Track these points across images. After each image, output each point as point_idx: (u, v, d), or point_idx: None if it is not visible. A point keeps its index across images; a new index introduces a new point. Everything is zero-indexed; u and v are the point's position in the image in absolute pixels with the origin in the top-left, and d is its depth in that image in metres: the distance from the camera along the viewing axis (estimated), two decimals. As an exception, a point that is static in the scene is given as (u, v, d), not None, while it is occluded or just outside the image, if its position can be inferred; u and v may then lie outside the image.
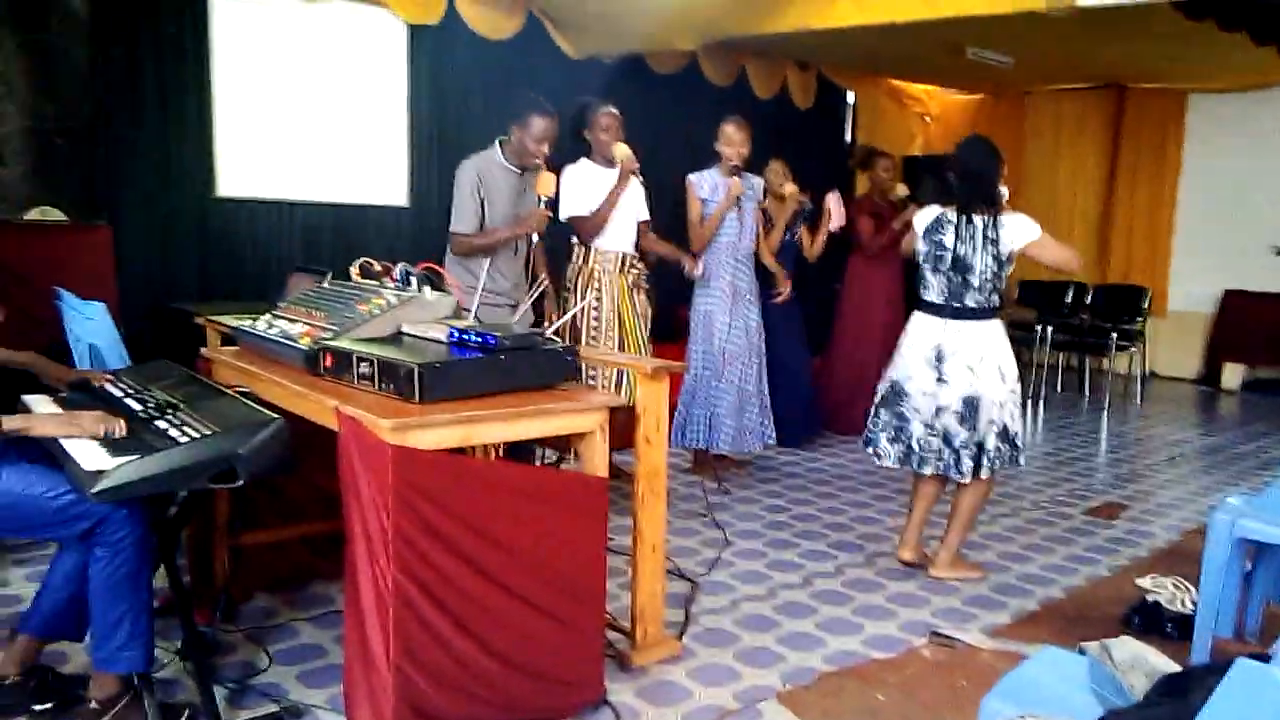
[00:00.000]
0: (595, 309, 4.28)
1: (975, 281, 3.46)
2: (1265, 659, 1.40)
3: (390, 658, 2.19)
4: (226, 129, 5.36)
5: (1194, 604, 3.25)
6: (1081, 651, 1.92)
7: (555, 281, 4.33)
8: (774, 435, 5.00)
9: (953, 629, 3.20)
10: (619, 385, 4.15)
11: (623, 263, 4.36)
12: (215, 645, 2.81)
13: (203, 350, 3.10)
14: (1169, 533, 4.38)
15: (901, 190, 5.92)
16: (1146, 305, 8.22)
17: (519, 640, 2.39)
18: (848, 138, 9.25)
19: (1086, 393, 8.14)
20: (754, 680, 2.80)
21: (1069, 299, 8.49)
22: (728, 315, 4.78)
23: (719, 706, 2.63)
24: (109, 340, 3.28)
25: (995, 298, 3.52)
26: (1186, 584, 3.46)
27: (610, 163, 4.28)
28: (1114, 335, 7.85)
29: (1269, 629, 3.24)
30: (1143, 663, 1.78)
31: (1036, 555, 4.00)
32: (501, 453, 3.23)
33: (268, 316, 2.95)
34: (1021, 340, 8.52)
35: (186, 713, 2.40)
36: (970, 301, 3.49)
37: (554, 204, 3.91)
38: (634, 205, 4.38)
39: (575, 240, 4.39)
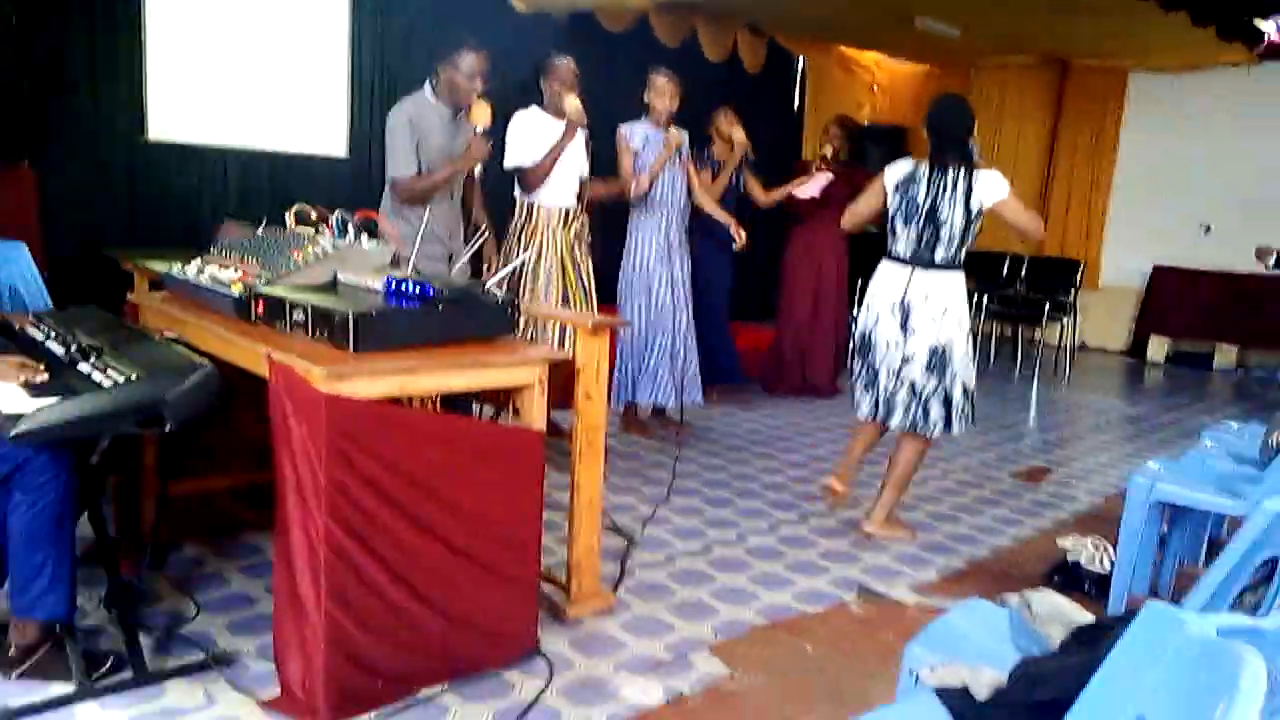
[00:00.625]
0: (535, 263, 4.24)
1: (944, 235, 3.50)
2: (1174, 608, 1.46)
3: (321, 605, 2.17)
4: (158, 71, 5.17)
5: (1112, 563, 3.37)
6: (1003, 603, 1.97)
7: (495, 230, 4.28)
8: (700, 396, 5.04)
9: (881, 585, 3.27)
10: (562, 343, 4.14)
11: (566, 217, 4.32)
12: (141, 594, 2.75)
13: (129, 295, 3.02)
14: (1092, 496, 4.52)
15: (829, 149, 5.93)
16: (1079, 278, 8.41)
17: (453, 590, 2.39)
18: (796, 103, 9.25)
19: (1019, 362, 8.33)
20: (687, 632, 2.83)
21: (1005, 270, 8.65)
22: (663, 269, 4.79)
23: (651, 657, 2.67)
24: (29, 282, 3.17)
25: (962, 253, 3.56)
26: (1106, 544, 3.58)
27: (561, 114, 4.23)
28: (1047, 306, 8.02)
29: (1181, 588, 3.37)
30: (1061, 615, 1.83)
31: (965, 516, 4.10)
32: (438, 406, 3.20)
33: (197, 262, 2.87)
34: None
35: (111, 660, 2.36)
36: (938, 255, 3.53)
37: (492, 135, 3.84)
38: (578, 160, 4.34)
39: (518, 194, 4.34)
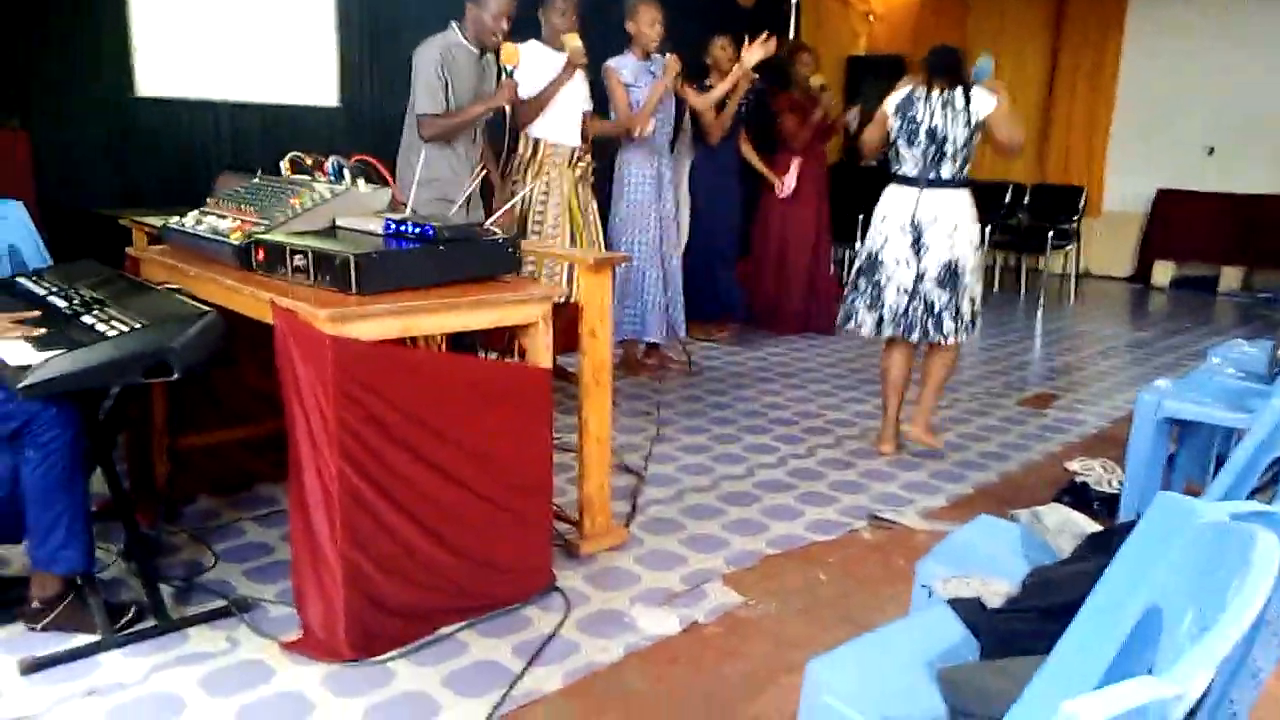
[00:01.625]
0: (542, 202, 4.22)
1: (949, 151, 3.58)
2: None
3: (337, 546, 2.20)
4: (144, 25, 5.08)
5: (1120, 484, 3.39)
6: (1013, 519, 1.99)
7: (493, 168, 4.25)
8: (683, 329, 5.06)
9: (890, 512, 3.30)
10: (570, 283, 4.13)
11: (571, 156, 4.29)
12: (159, 546, 2.79)
13: (128, 249, 3.00)
14: (1098, 420, 4.53)
15: (816, 80, 5.85)
16: (1082, 205, 8.35)
17: (467, 529, 2.41)
18: (791, 35, 9.10)
19: (1022, 291, 8.29)
20: (699, 564, 2.86)
21: (1008, 199, 8.58)
22: (654, 204, 4.76)
23: (665, 589, 2.70)
24: (27, 239, 3.15)
25: (967, 168, 3.65)
26: (1114, 465, 3.60)
27: (559, 48, 4.18)
28: (1050, 235, 7.97)
29: (1189, 505, 3.39)
30: (1071, 526, 1.85)
31: (972, 443, 4.11)
32: (444, 348, 3.20)
33: (195, 213, 2.85)
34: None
35: (133, 610, 2.39)
36: (945, 172, 3.61)
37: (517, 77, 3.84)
38: (579, 97, 4.29)
39: (521, 130, 4.29)
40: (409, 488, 2.29)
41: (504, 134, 3.94)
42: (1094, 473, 3.60)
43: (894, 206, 3.70)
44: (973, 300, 3.71)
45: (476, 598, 2.48)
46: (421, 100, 3.74)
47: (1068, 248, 8.15)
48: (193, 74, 5.28)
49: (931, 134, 3.58)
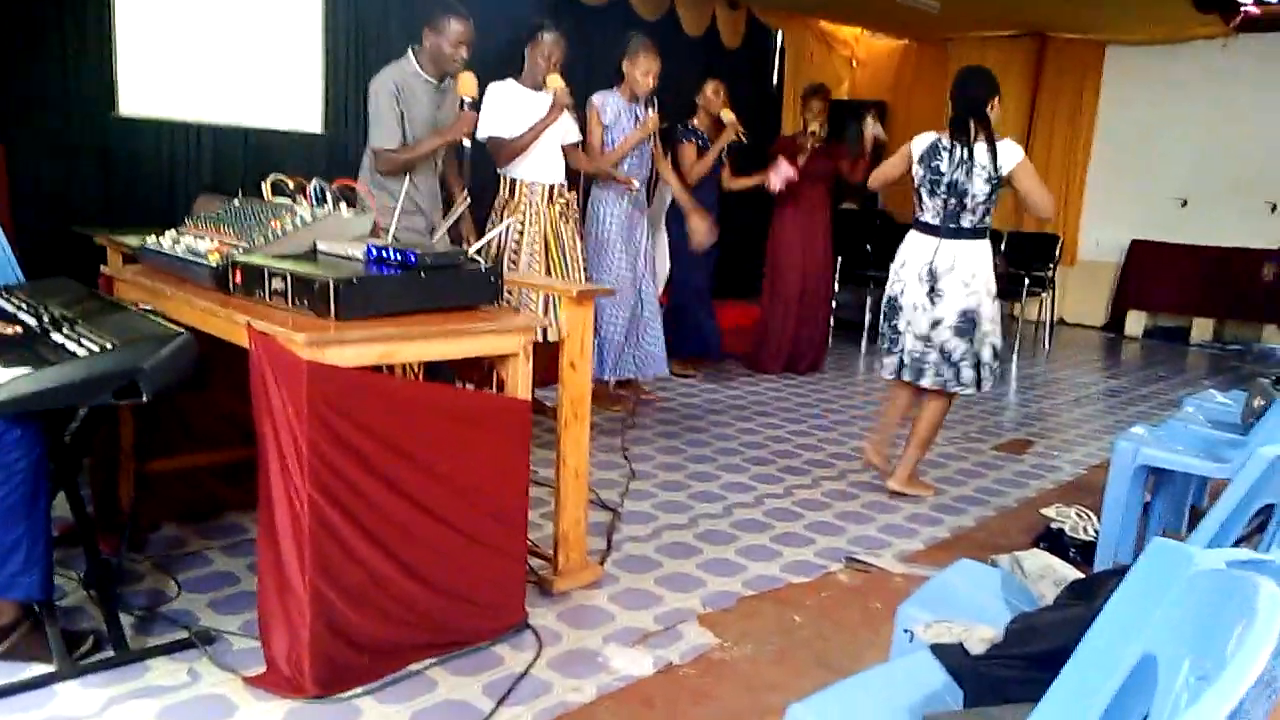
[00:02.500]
0: (517, 240, 4.20)
1: (969, 204, 3.64)
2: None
3: (306, 577, 2.14)
4: (128, 45, 5.06)
5: (1096, 531, 3.39)
6: (994, 564, 1.97)
7: (473, 201, 4.23)
8: (664, 367, 5.01)
9: (867, 555, 3.27)
10: (545, 314, 4.11)
11: (550, 193, 4.28)
12: (121, 574, 2.71)
13: (103, 268, 2.95)
14: (1074, 467, 4.54)
15: (814, 125, 5.90)
16: (1057, 253, 8.44)
17: (439, 562, 2.36)
18: (775, 79, 9.21)
19: (999, 337, 8.34)
20: (675, 604, 2.82)
21: (985, 245, 8.66)
22: (622, 242, 4.74)
23: (640, 629, 2.65)
24: None
25: (987, 219, 3.70)
26: (1089, 513, 3.60)
27: (537, 87, 4.18)
28: (1026, 282, 8.04)
29: (1164, 554, 3.39)
30: (1051, 572, 1.83)
31: (949, 487, 4.10)
32: (420, 378, 3.16)
33: (172, 233, 2.81)
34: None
35: (92, 639, 2.32)
36: (965, 223, 3.67)
37: (478, 106, 3.78)
38: (560, 134, 4.28)
39: (500, 169, 4.28)
40: (381, 517, 2.24)
41: (460, 165, 3.87)
42: (1069, 520, 3.60)
43: (913, 253, 3.77)
44: (994, 348, 3.76)
45: (447, 633, 2.42)
46: (375, 133, 3.67)
47: (1042, 295, 8.23)
48: (176, 95, 5.26)
49: (952, 186, 3.64)
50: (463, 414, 2.37)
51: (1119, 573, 1.59)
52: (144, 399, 2.07)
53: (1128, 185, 8.98)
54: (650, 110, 4.61)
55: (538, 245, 4.21)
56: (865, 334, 7.63)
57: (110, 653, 2.29)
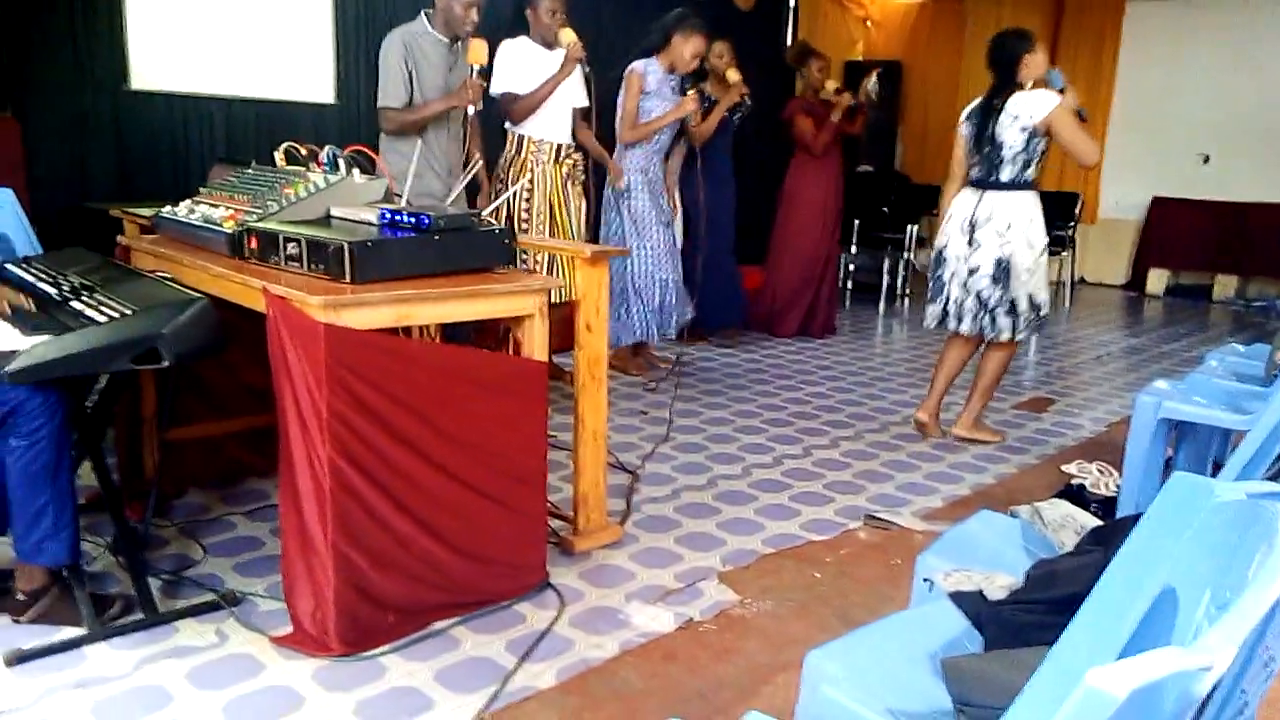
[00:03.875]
0: (527, 199, 4.19)
1: (1007, 155, 3.78)
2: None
3: (328, 538, 2.16)
4: (138, 18, 5.05)
5: (1117, 487, 3.37)
6: (1014, 514, 1.96)
7: (488, 160, 4.22)
8: (691, 312, 5.03)
9: (887, 512, 3.27)
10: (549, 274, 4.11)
11: (558, 153, 4.26)
12: (147, 539, 2.74)
13: (119, 238, 2.97)
14: (1095, 425, 4.52)
15: (831, 85, 5.85)
16: (1078, 212, 8.35)
17: (460, 522, 2.38)
18: (789, 41, 9.10)
19: (1018, 298, 8.27)
20: (695, 562, 2.83)
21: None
22: (655, 213, 4.75)
23: (661, 586, 2.66)
24: (18, 229, 3.11)
25: (1028, 172, 3.82)
26: (1110, 469, 3.59)
27: (549, 45, 4.15)
28: (1046, 241, 7.95)
29: (1186, 508, 3.38)
30: (1072, 521, 1.83)
31: (969, 446, 4.09)
32: (439, 335, 3.17)
33: (188, 202, 2.83)
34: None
35: (120, 602, 2.35)
36: (1004, 175, 3.82)
37: (487, 73, 3.77)
38: (572, 93, 4.26)
39: (508, 126, 4.26)
40: (402, 479, 2.26)
41: (464, 132, 3.85)
42: (1091, 475, 3.59)
43: (959, 207, 3.94)
44: (1031, 298, 3.87)
45: (470, 593, 2.44)
46: (383, 93, 3.67)
47: (1063, 254, 8.15)
48: (187, 68, 5.25)
49: (990, 140, 3.80)
50: (480, 375, 2.38)
51: (1138, 519, 1.58)
52: (164, 364, 2.08)
53: (1148, 142, 8.85)
54: (689, 94, 4.66)
55: (542, 205, 4.19)
56: (883, 296, 7.58)
57: (139, 615, 2.32)
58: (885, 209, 8.12)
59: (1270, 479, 1.44)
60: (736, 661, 2.31)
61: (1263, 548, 0.72)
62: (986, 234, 3.84)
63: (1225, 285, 8.67)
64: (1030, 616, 1.38)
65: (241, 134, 5.41)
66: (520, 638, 2.35)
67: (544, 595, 2.56)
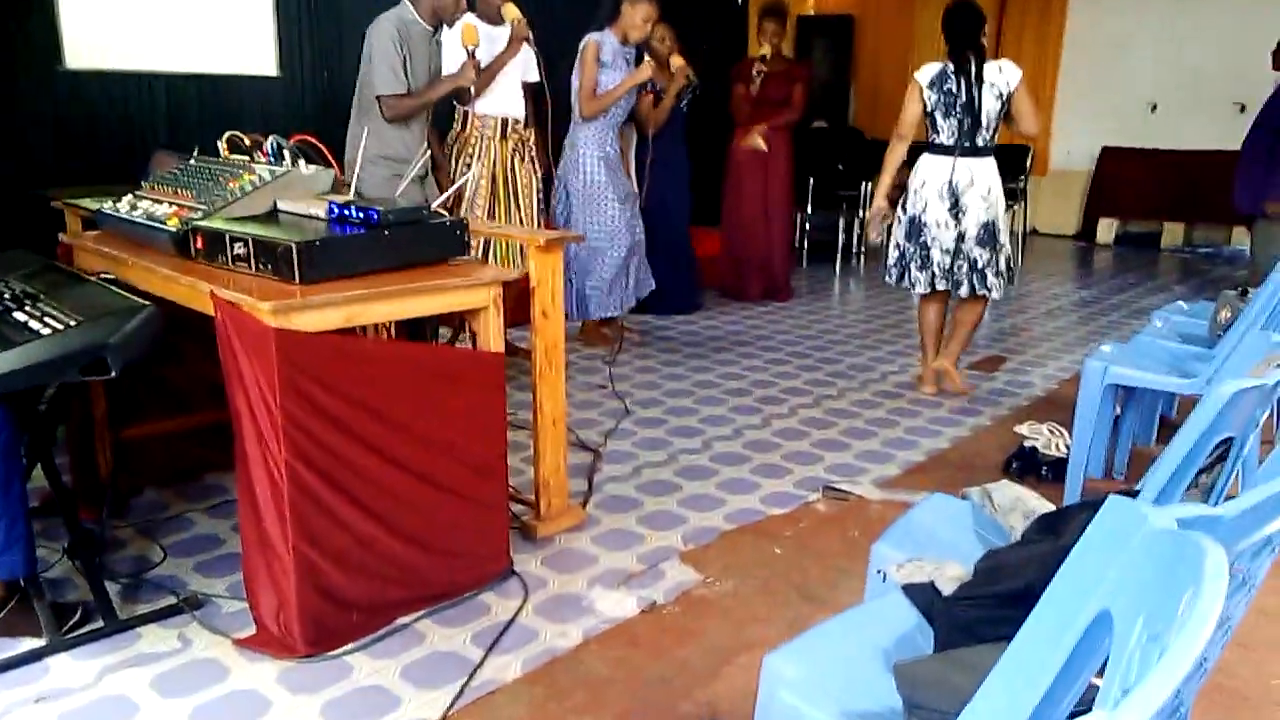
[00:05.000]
0: (476, 177, 4.15)
1: (983, 121, 3.94)
2: (1133, 494, 1.49)
3: (288, 541, 2.16)
4: (69, -7, 4.89)
5: (1068, 447, 3.45)
6: (964, 497, 2.01)
7: (436, 147, 4.17)
8: (653, 283, 5.04)
9: (845, 483, 3.33)
10: (485, 255, 4.08)
11: (504, 128, 4.21)
12: (104, 542, 2.72)
13: (62, 236, 2.90)
14: (1046, 382, 4.61)
15: (766, 49, 5.77)
16: (1029, 163, 8.42)
17: (421, 517, 2.38)
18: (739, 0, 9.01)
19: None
20: (657, 542, 2.87)
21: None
22: (612, 187, 4.73)
23: (623, 570, 2.70)
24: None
25: (995, 136, 4.00)
26: (1061, 429, 3.66)
27: (493, 20, 4.09)
28: (998, 194, 8.03)
29: (1135, 468, 3.47)
30: (1021, 505, 1.87)
31: (923, 409, 4.16)
32: (393, 332, 3.15)
33: (130, 197, 2.76)
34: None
35: (80, 610, 2.34)
36: (979, 141, 3.96)
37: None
38: (520, 67, 4.21)
39: (456, 104, 4.21)
40: (361, 479, 2.25)
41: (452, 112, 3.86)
42: (1042, 437, 3.66)
43: (931, 174, 4.03)
44: (1008, 257, 4.10)
45: (434, 586, 2.46)
46: (383, 80, 3.63)
47: (1014, 206, 8.22)
48: (124, 45, 5.09)
49: (967, 106, 3.91)
50: (436, 370, 2.37)
51: (1085, 506, 1.63)
52: (112, 374, 2.05)
53: (1097, 93, 8.92)
54: (646, 63, 4.64)
55: (484, 183, 4.16)
56: (839, 255, 7.63)
57: (100, 623, 2.31)
58: (840, 166, 8.14)
59: (1209, 465, 1.48)
60: (699, 643, 2.36)
61: (1190, 590, 0.75)
62: (971, 199, 3.97)
63: (1173, 233, 8.83)
64: (979, 612, 1.42)
65: (183, 112, 5.28)
66: (485, 629, 2.38)
67: (508, 584, 2.58)
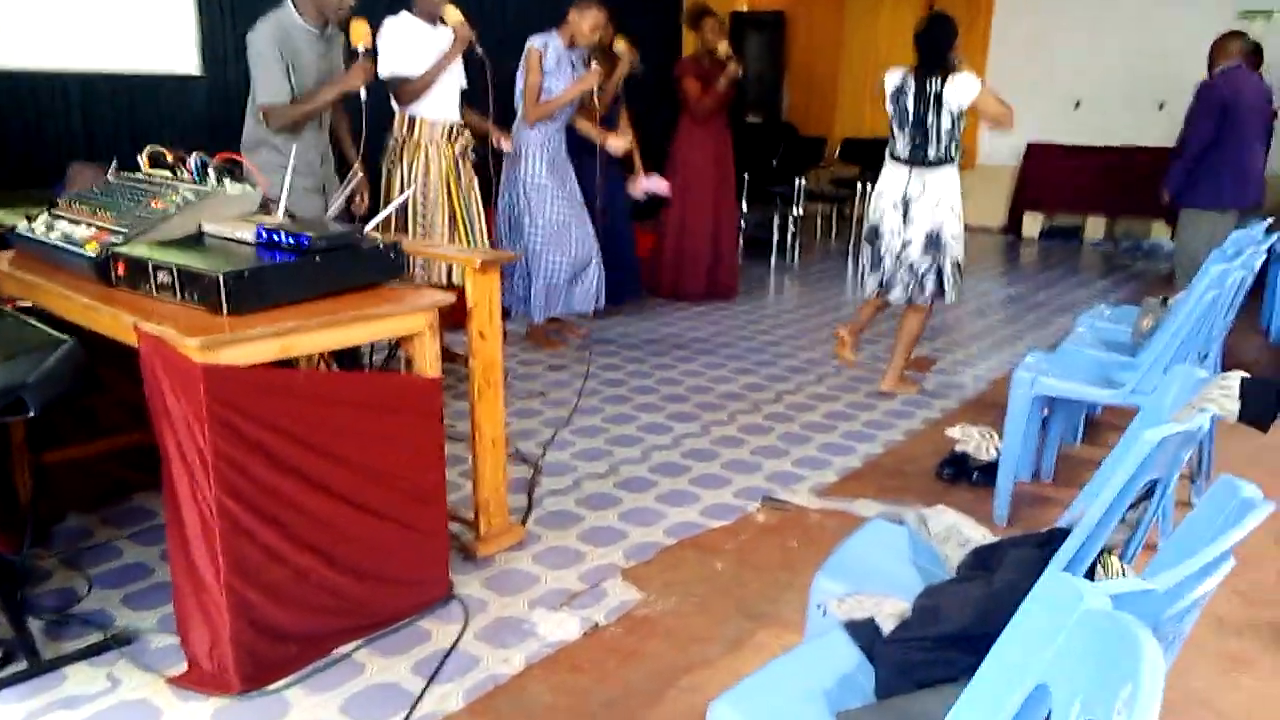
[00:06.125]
0: (424, 184, 4.08)
1: (934, 136, 4.07)
2: (1064, 534, 1.53)
3: (221, 579, 2.11)
4: (-25, -13, 4.68)
5: (998, 450, 3.53)
6: (901, 521, 2.04)
7: (368, 170, 4.06)
8: (604, 297, 5.03)
9: (784, 492, 3.36)
10: (450, 272, 4.05)
11: (450, 132, 4.15)
12: (27, 574, 2.63)
13: (-27, 258, 2.77)
14: (976, 383, 4.71)
15: (724, 47, 5.82)
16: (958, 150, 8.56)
17: (360, 547, 2.35)
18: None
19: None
20: (598, 560, 2.87)
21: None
22: (556, 185, 4.71)
23: (565, 589, 2.69)
24: None
25: (952, 148, 4.13)
26: (991, 432, 3.73)
27: (434, 20, 4.02)
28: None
29: (1062, 469, 3.57)
30: (956, 533, 1.91)
31: (858, 412, 4.22)
32: (328, 356, 3.09)
33: (46, 217, 2.65)
34: (844, 197, 8.79)
35: (2, 651, 2.25)
36: (931, 154, 4.10)
37: (373, 54, 3.61)
38: (456, 71, 4.15)
39: (396, 107, 4.13)
40: (295, 511, 2.21)
41: (364, 113, 3.66)
42: (973, 440, 3.71)
43: (889, 184, 4.22)
44: (955, 262, 4.22)
45: (373, 614, 2.43)
46: (264, 89, 3.42)
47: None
48: (34, 44, 4.89)
49: (919, 122, 4.05)
50: (370, 399, 2.33)
51: (1014, 544, 1.67)
52: (31, 414, 1.97)
53: (1023, 89, 9.02)
54: (592, 67, 4.62)
55: (439, 191, 4.10)
56: (774, 252, 7.69)
57: (23, 664, 2.23)
58: (774, 162, 8.19)
59: (1135, 503, 1.53)
60: (642, 666, 2.36)
61: (1128, 685, 0.77)
62: (920, 209, 4.13)
63: (1095, 227, 9.09)
64: (918, 655, 1.45)
65: (99, 113, 5.09)
66: (426, 657, 2.35)
67: (449, 608, 2.56)
